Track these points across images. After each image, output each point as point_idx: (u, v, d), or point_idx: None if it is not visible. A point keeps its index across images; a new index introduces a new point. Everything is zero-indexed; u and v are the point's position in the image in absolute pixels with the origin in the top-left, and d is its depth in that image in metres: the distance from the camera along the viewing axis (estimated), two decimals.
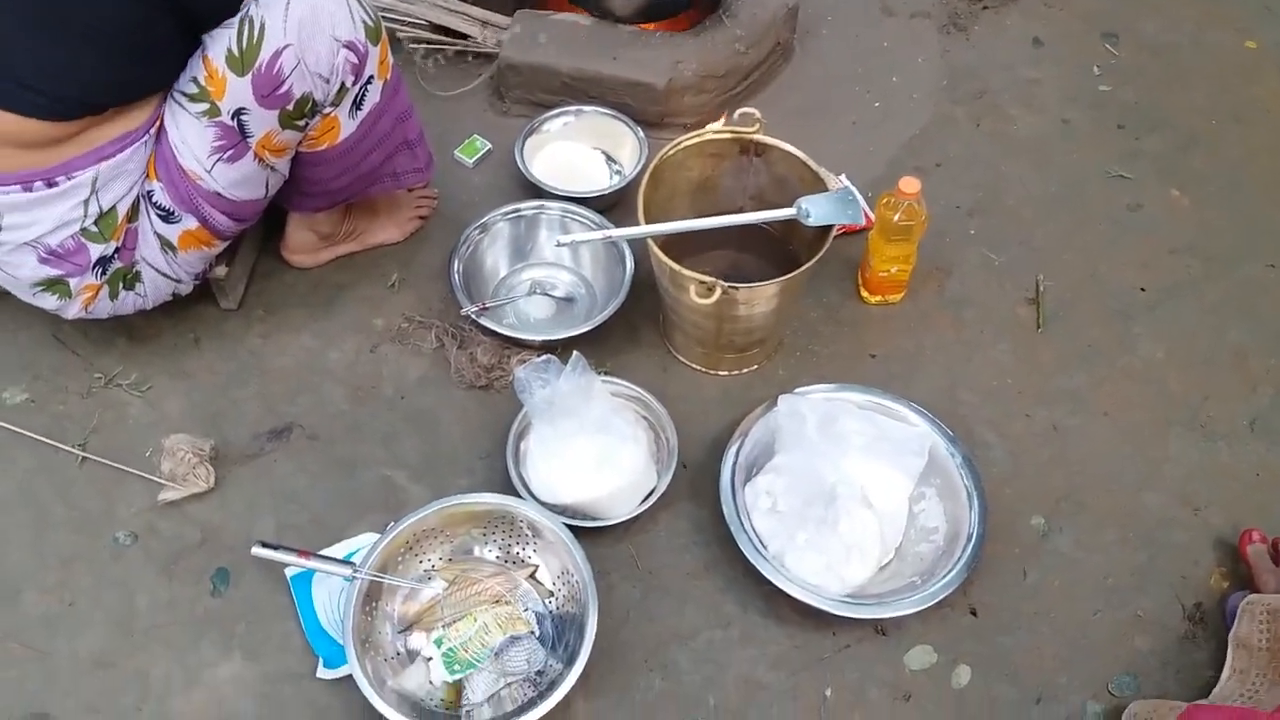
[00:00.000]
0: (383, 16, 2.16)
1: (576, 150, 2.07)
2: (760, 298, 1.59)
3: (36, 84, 1.32)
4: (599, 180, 2.02)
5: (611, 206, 1.97)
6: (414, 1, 2.16)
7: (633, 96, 2.07)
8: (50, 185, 1.40)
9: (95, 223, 1.46)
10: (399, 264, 1.89)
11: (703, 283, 1.52)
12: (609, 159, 2.08)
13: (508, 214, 1.88)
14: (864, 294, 1.87)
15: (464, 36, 2.19)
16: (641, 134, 2.04)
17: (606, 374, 1.69)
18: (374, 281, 1.86)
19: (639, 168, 1.98)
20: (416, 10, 2.16)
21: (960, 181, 2.09)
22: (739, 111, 1.73)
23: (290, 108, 1.45)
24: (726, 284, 1.51)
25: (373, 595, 1.41)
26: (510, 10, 2.27)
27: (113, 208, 1.47)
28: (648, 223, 1.64)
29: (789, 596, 1.45)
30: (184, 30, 1.41)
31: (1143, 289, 1.94)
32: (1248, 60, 2.38)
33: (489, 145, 2.08)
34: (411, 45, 2.17)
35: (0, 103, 1.32)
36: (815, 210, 1.63)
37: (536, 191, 1.95)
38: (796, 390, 1.64)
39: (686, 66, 2.07)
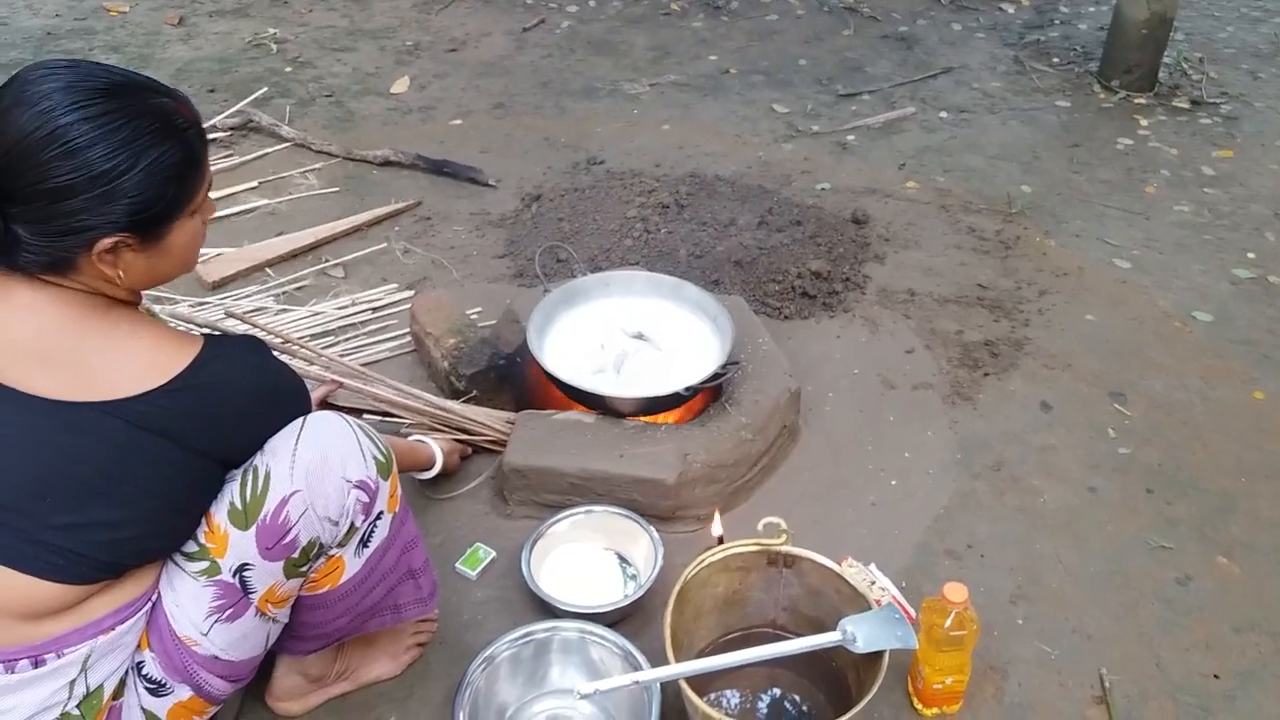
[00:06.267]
0: (383, 415, 2.16)
1: (587, 553, 1.95)
2: None
3: (62, 542, 1.20)
4: (613, 590, 1.87)
5: (629, 616, 1.82)
6: (414, 400, 2.12)
7: (642, 493, 1.98)
8: (36, 664, 1.24)
9: (79, 705, 1.28)
10: (395, 704, 1.68)
11: None
12: (622, 560, 1.95)
13: (518, 639, 1.70)
14: (918, 706, 1.68)
15: (466, 432, 2.13)
16: (655, 532, 1.92)
17: None
18: None
19: (655, 571, 1.84)
20: (416, 405, 2.11)
21: (996, 565, 1.96)
22: (764, 521, 1.63)
23: (295, 556, 1.34)
24: None
25: None
26: (512, 408, 2.24)
27: (99, 686, 1.30)
28: (676, 651, 1.48)
29: None
30: (221, 478, 1.33)
31: (1215, 676, 1.76)
32: (1261, 412, 2.36)
33: (492, 554, 1.95)
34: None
35: (13, 563, 1.19)
36: (861, 634, 1.48)
37: (546, 605, 1.80)
38: None
39: (695, 458, 1.99)
